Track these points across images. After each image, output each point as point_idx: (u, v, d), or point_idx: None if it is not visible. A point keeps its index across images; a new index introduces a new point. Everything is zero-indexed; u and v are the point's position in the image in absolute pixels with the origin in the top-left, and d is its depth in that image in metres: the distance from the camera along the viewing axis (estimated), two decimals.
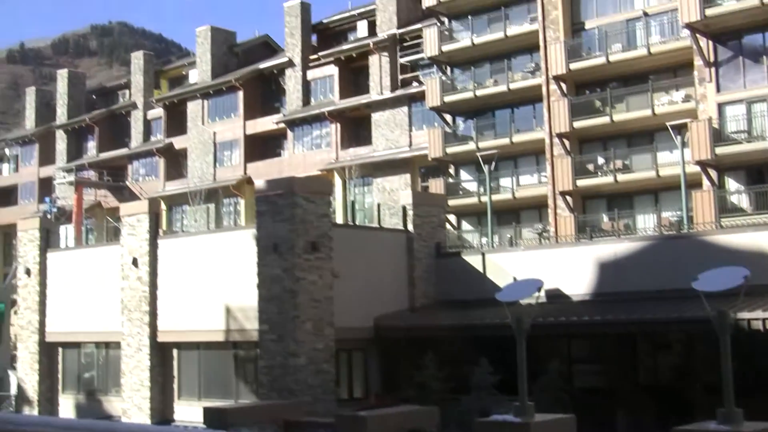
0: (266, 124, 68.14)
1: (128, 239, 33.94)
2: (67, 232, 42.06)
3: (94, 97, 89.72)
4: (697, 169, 41.74)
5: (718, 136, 41.10)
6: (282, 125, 66.50)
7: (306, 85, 66.93)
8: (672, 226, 41.06)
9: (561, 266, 29.84)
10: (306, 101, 66.54)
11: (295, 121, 65.77)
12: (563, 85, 48.71)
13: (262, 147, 69.31)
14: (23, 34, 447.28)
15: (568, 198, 47.65)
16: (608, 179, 46.30)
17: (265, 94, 70.79)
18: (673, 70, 45.88)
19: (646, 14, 46.82)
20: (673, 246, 28.78)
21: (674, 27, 45.15)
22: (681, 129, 39.76)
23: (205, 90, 71.69)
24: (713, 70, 42.28)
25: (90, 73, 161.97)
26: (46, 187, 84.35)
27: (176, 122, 74.85)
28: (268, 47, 77.66)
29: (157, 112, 77.54)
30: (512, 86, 51.48)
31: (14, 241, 57.07)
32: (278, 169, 64.18)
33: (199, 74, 74.23)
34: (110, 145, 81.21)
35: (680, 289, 24.43)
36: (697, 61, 42.65)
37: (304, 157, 64.68)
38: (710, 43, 42.43)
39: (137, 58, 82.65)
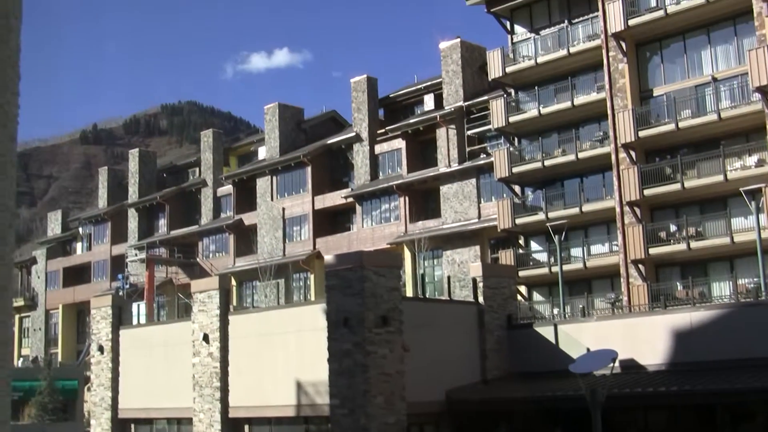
0: (335, 198, 68.46)
1: (199, 315, 34.03)
2: (139, 309, 42.50)
3: (164, 175, 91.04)
4: None
5: None
6: (350, 199, 66.75)
7: (374, 159, 67.27)
8: (749, 293, 40.17)
9: (635, 336, 29.29)
10: (374, 175, 66.82)
11: (363, 195, 65.98)
12: (632, 153, 48.27)
13: (330, 221, 69.61)
14: (96, 115, 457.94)
15: (641, 266, 46.97)
16: (681, 247, 45.58)
17: (333, 168, 71.27)
18: (745, 134, 45.24)
19: (715, 79, 46.39)
20: (751, 313, 28.12)
21: (745, 91, 44.64)
22: (755, 194, 39.06)
23: (274, 166, 72.36)
24: None
25: (161, 151, 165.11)
26: (118, 264, 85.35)
27: (245, 198, 75.55)
28: (335, 122, 78.45)
29: (227, 189, 78.39)
30: (581, 155, 51.17)
31: (88, 318, 57.71)
32: (347, 244, 64.38)
33: (268, 151, 75.00)
34: (181, 223, 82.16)
35: (760, 358, 23.84)
36: None
37: (373, 230, 64.75)
38: None
39: (206, 137, 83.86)
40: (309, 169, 70.14)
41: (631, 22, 48.28)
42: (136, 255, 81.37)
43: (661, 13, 47.33)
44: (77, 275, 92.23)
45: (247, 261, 72.37)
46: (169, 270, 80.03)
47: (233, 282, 71.46)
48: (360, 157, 67.70)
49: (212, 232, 78.27)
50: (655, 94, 48.80)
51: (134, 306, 41.75)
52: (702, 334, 27.87)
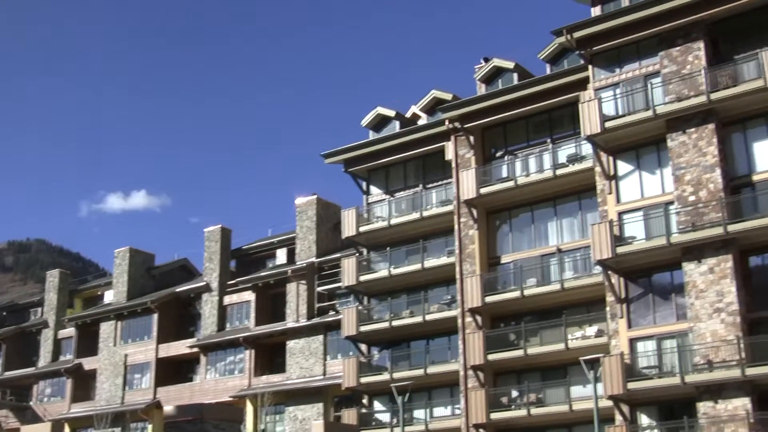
0: (180, 348, 67.29)
1: None
2: None
3: (4, 313, 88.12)
4: (610, 403, 41.78)
5: (630, 372, 41.39)
6: (196, 350, 65.67)
7: (222, 310, 66.64)
8: None
9: None
10: (221, 326, 66.07)
11: (209, 346, 65.04)
12: (479, 318, 49.02)
13: (174, 371, 68.23)
14: None
15: (482, 431, 47.15)
16: (522, 412, 46.03)
17: (180, 317, 70.24)
18: (586, 305, 46.50)
19: (560, 250, 47.89)
20: None
21: (587, 263, 46.13)
22: (594, 364, 39.99)
23: (120, 311, 70.98)
24: (625, 306, 42.98)
25: (3, 288, 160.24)
26: None
27: (88, 343, 73.63)
28: (186, 270, 77.76)
29: (69, 331, 76.25)
30: (428, 318, 51.66)
31: None
32: (189, 395, 63.12)
33: (115, 295, 73.64)
34: (17, 364, 79.18)
35: None
36: (609, 297, 43.39)
37: (216, 382, 63.64)
38: (622, 279, 43.30)
39: (53, 276, 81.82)
40: (156, 316, 68.99)
41: (483, 190, 49.75)
42: None
43: (511, 183, 49.02)
44: None
45: (84, 407, 70.14)
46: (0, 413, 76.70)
47: (67, 429, 69.16)
48: (208, 307, 66.99)
49: (49, 375, 75.64)
50: (503, 261, 49.99)
51: None
52: None
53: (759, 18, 42.72)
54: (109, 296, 76.65)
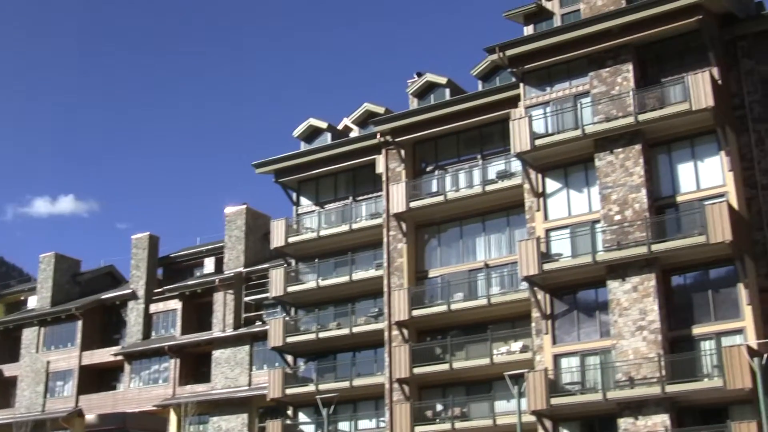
0: (104, 355, 66.65)
1: None
2: None
3: None
4: (533, 418, 42.12)
5: (554, 387, 41.81)
6: (120, 358, 65.07)
7: (148, 318, 66.20)
8: None
9: None
10: (147, 334, 65.60)
11: (133, 354, 64.49)
12: (405, 331, 49.19)
13: (97, 379, 67.59)
14: None
15: None
16: (446, 426, 46.20)
17: (105, 324, 69.64)
18: (512, 320, 46.79)
19: (487, 266, 48.26)
20: None
21: (514, 279, 46.57)
22: (518, 379, 40.35)
23: (43, 317, 70.07)
24: (550, 322, 43.41)
25: None
26: None
27: (9, 349, 72.57)
28: (112, 277, 76.97)
29: None
30: (355, 330, 51.72)
31: None
32: (113, 403, 62.58)
33: (39, 301, 72.69)
34: None
35: None
36: (535, 313, 43.79)
37: (140, 391, 63.10)
38: (547, 296, 43.72)
39: None
40: (80, 323, 68.26)
41: (412, 204, 49.97)
42: None
43: (440, 198, 49.30)
44: None
45: (3, 415, 69.12)
46: None
47: None
48: (134, 314, 66.46)
49: None
50: (430, 275, 50.22)
51: None
52: None
53: (685, 43, 43.55)
54: (32, 302, 75.61)
